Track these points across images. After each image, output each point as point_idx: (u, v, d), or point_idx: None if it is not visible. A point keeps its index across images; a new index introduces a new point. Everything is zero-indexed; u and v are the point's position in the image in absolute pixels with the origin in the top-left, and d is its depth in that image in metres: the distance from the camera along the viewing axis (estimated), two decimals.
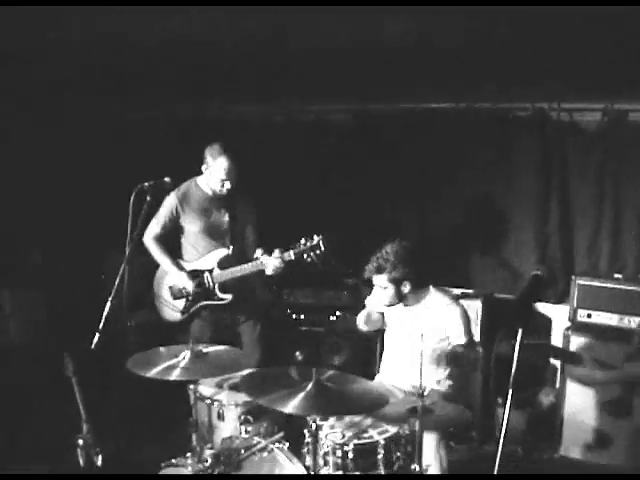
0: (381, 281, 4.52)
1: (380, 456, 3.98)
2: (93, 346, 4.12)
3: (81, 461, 3.53)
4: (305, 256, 4.96)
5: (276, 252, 5.12)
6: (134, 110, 7.20)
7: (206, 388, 4.60)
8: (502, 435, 2.86)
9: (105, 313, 4.20)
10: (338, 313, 6.22)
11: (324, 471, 4.00)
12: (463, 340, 4.54)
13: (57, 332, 6.63)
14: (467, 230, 6.41)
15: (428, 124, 6.33)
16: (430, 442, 4.23)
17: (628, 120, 5.63)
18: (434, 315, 4.56)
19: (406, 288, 4.52)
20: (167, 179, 4.72)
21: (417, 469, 3.86)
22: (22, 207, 6.82)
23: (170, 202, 5.36)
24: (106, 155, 7.07)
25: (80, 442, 3.55)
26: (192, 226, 5.38)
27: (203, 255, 5.40)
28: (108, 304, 4.23)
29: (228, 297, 5.36)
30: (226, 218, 5.41)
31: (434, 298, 4.64)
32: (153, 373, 3.87)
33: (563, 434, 5.56)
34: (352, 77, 5.79)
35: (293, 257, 5.02)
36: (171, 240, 5.48)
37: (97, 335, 4.14)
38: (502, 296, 6.17)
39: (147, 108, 7.12)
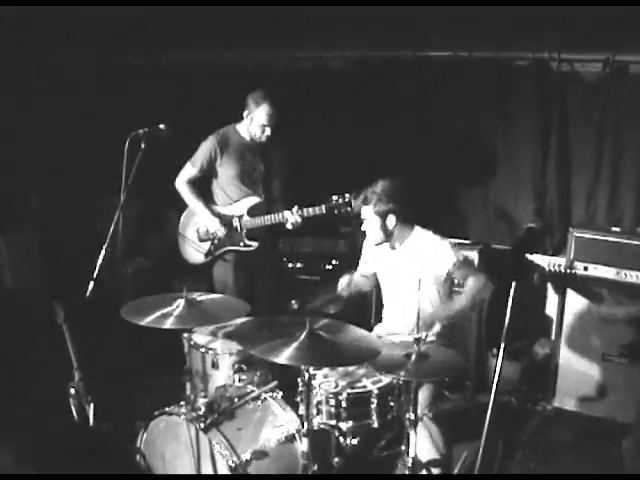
0: (367, 213, 4.51)
1: (373, 405, 3.98)
2: (88, 294, 4.10)
3: (73, 409, 3.52)
4: (335, 211, 5.07)
5: (296, 208, 5.22)
6: (132, 56, 7.13)
7: (200, 336, 4.60)
8: (494, 386, 2.86)
9: (99, 261, 4.17)
10: (334, 262, 6.21)
11: (317, 420, 4.01)
12: (459, 257, 4.49)
13: (52, 278, 6.63)
14: (464, 181, 6.37)
15: (426, 73, 6.27)
16: (424, 393, 4.23)
17: (629, 72, 5.54)
18: (421, 252, 4.52)
19: (391, 222, 4.49)
20: (162, 126, 4.66)
21: (412, 417, 3.86)
22: (20, 152, 6.79)
23: (209, 145, 5.40)
24: (104, 101, 7.02)
25: (72, 391, 3.54)
26: (227, 170, 5.42)
27: (233, 200, 5.46)
28: (102, 252, 4.20)
29: (254, 244, 5.45)
30: (260, 166, 5.48)
31: (419, 236, 4.60)
32: (146, 321, 3.83)
33: (557, 385, 5.60)
34: (350, 23, 5.74)
35: (325, 211, 5.12)
36: (204, 184, 5.55)
37: (91, 283, 4.11)
38: (499, 247, 6.14)
39: (145, 55, 7.04)
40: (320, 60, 6.71)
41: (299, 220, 5.23)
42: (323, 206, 5.12)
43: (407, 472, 3.91)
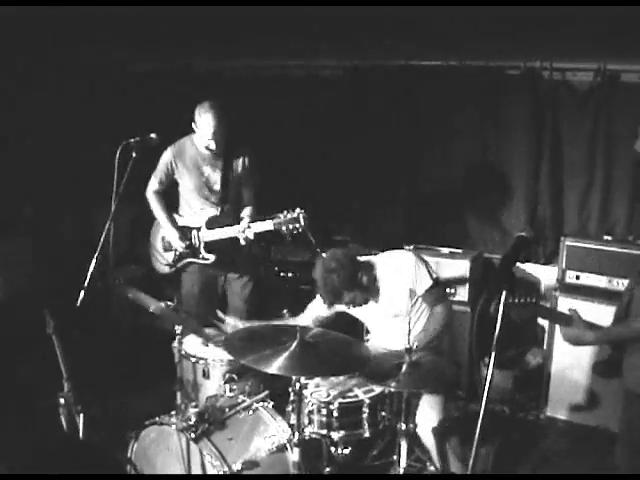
0: (345, 298, 4.27)
1: (365, 415, 3.97)
2: (78, 304, 4.08)
3: (63, 420, 3.51)
4: (284, 228, 4.81)
5: (244, 221, 5.18)
6: (124, 66, 7.13)
7: (191, 346, 4.58)
8: (485, 395, 2.85)
9: (90, 270, 4.15)
10: None
11: (308, 429, 4.00)
12: (429, 282, 4.33)
13: (44, 288, 6.60)
14: (457, 190, 6.36)
15: (418, 82, 6.26)
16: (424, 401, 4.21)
17: (621, 80, 5.56)
18: (391, 274, 4.36)
19: (364, 279, 4.27)
20: (153, 135, 4.63)
21: (403, 428, 3.86)
22: (13, 161, 6.77)
23: (165, 157, 5.37)
24: (97, 110, 7.02)
25: (61, 401, 3.52)
26: (185, 182, 5.38)
27: (194, 212, 5.41)
28: (93, 261, 4.18)
29: (211, 257, 5.37)
30: (218, 177, 5.38)
31: (383, 259, 4.45)
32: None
33: (550, 394, 5.58)
34: (344, 33, 5.74)
35: (272, 227, 4.91)
36: (170, 194, 5.51)
37: (82, 293, 4.09)
38: (491, 256, 6.16)
39: (138, 62, 7.05)
40: (311, 69, 6.73)
41: (250, 236, 5.08)
42: (271, 221, 4.91)
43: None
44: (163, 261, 5.56)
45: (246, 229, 5.08)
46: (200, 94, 5.20)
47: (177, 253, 5.46)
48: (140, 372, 5.51)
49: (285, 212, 4.82)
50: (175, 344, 4.34)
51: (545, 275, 6.06)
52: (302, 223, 4.76)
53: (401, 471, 3.90)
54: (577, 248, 5.45)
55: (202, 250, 5.36)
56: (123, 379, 5.47)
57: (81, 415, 3.51)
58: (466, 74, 6.05)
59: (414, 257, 4.42)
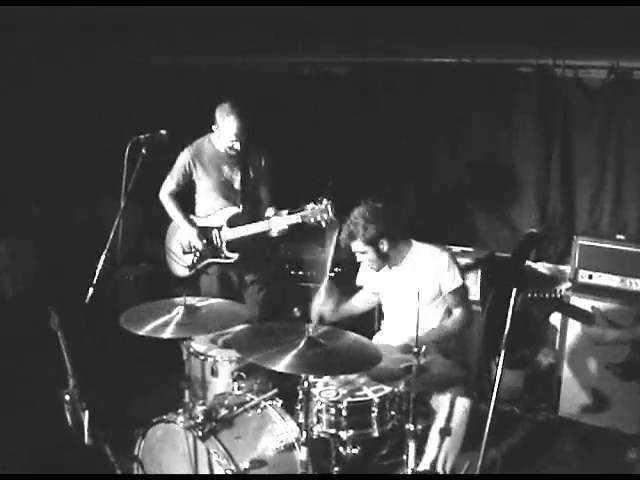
0: (358, 246, 4.39)
1: (374, 414, 3.95)
2: (87, 301, 4.06)
3: (68, 416, 3.48)
4: (312, 220, 4.86)
5: (283, 213, 5.11)
6: (133, 60, 7.11)
7: (199, 344, 4.56)
8: (494, 395, 2.82)
9: (99, 268, 4.13)
10: (337, 269, 6.14)
11: (316, 429, 3.97)
12: (457, 283, 4.43)
13: (52, 285, 6.61)
14: (467, 188, 6.33)
15: (430, 79, 6.23)
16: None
17: (633, 78, 5.51)
18: (422, 268, 4.45)
19: (384, 246, 4.39)
20: (163, 132, 4.61)
21: (411, 428, 3.82)
22: (20, 158, 6.78)
23: (183, 158, 5.36)
24: (105, 105, 7.00)
25: (67, 397, 3.49)
26: (204, 182, 5.37)
27: (214, 212, 5.39)
28: (102, 258, 4.16)
29: (234, 256, 5.35)
30: (238, 176, 5.39)
31: (418, 250, 4.53)
32: (145, 331, 3.79)
33: (561, 395, 5.53)
34: (353, 29, 5.71)
35: (300, 220, 4.94)
36: (186, 196, 5.49)
37: (91, 290, 4.07)
38: (502, 255, 6.10)
39: (147, 58, 7.03)
40: (318, 65, 6.74)
41: (284, 227, 5.09)
42: (299, 214, 4.94)
43: None
44: (182, 264, 5.51)
45: (275, 223, 5.08)
46: (207, 91, 5.19)
47: (197, 255, 5.42)
48: (148, 370, 5.51)
49: (312, 204, 4.84)
50: (184, 342, 4.31)
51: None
52: (331, 214, 4.77)
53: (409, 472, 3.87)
54: (590, 247, 5.41)
55: (224, 249, 5.35)
56: (131, 377, 5.47)
57: (86, 412, 3.48)
58: (478, 71, 6.02)
59: (448, 256, 4.48)
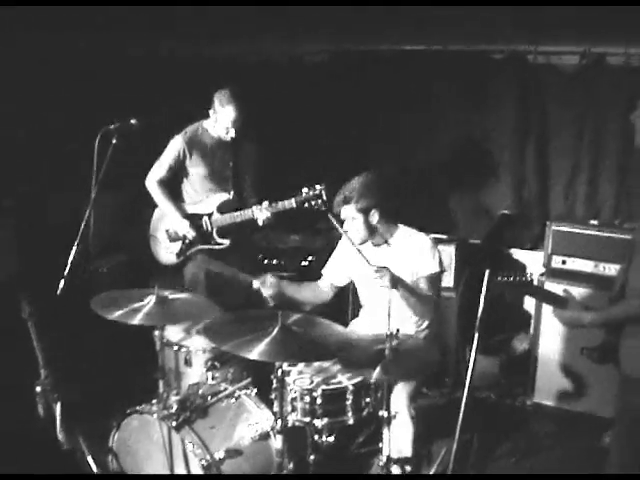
0: (349, 212, 4.36)
1: (349, 402, 3.93)
2: (58, 292, 4.03)
3: (40, 408, 3.45)
4: (306, 205, 4.86)
5: (265, 203, 5.08)
6: (106, 51, 7.03)
7: (173, 334, 4.54)
8: (468, 380, 2.81)
9: (70, 259, 4.10)
10: (310, 257, 6.13)
11: (291, 417, 3.95)
12: (434, 269, 4.39)
13: (26, 276, 6.55)
14: (441, 174, 6.33)
15: (402, 66, 6.21)
16: (400, 391, 4.17)
17: (606, 63, 5.53)
18: (404, 250, 4.42)
19: (374, 218, 4.36)
20: (133, 121, 4.58)
21: (385, 415, 3.82)
22: None
23: (177, 145, 5.32)
24: (77, 95, 6.92)
25: (38, 389, 3.46)
26: (197, 169, 5.34)
27: (204, 198, 5.37)
28: (73, 249, 4.13)
29: (225, 242, 5.34)
30: (230, 163, 5.38)
31: (404, 234, 4.50)
32: (115, 315, 3.79)
33: (537, 381, 5.55)
34: (328, 17, 5.69)
35: (294, 205, 4.94)
36: (173, 183, 5.45)
37: (62, 281, 4.04)
38: (476, 242, 6.09)
39: (123, 47, 6.96)
40: (296, 54, 6.67)
41: (269, 215, 5.09)
42: (293, 200, 4.93)
43: (381, 470, 3.88)
44: (171, 251, 5.47)
45: (264, 209, 5.06)
46: (184, 80, 5.14)
47: (186, 242, 5.39)
48: (121, 361, 5.46)
49: (306, 189, 4.84)
50: (156, 332, 4.27)
51: (531, 261, 6.02)
52: (325, 199, 4.76)
53: (384, 459, 3.87)
54: (563, 233, 5.44)
55: (215, 235, 5.33)
56: (104, 368, 5.43)
57: (58, 403, 3.45)
58: (450, 58, 6.01)
59: (431, 242, 4.47)
